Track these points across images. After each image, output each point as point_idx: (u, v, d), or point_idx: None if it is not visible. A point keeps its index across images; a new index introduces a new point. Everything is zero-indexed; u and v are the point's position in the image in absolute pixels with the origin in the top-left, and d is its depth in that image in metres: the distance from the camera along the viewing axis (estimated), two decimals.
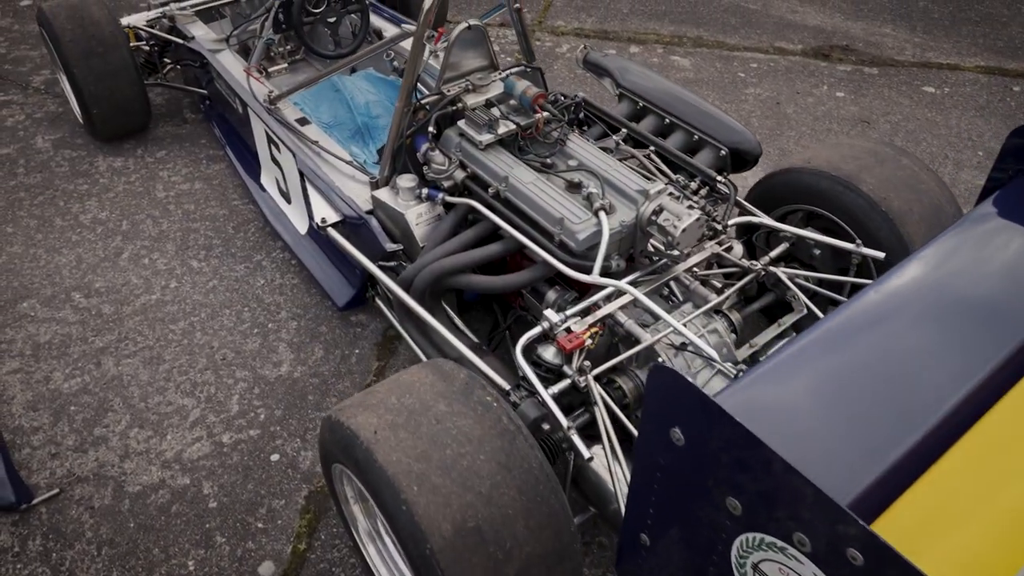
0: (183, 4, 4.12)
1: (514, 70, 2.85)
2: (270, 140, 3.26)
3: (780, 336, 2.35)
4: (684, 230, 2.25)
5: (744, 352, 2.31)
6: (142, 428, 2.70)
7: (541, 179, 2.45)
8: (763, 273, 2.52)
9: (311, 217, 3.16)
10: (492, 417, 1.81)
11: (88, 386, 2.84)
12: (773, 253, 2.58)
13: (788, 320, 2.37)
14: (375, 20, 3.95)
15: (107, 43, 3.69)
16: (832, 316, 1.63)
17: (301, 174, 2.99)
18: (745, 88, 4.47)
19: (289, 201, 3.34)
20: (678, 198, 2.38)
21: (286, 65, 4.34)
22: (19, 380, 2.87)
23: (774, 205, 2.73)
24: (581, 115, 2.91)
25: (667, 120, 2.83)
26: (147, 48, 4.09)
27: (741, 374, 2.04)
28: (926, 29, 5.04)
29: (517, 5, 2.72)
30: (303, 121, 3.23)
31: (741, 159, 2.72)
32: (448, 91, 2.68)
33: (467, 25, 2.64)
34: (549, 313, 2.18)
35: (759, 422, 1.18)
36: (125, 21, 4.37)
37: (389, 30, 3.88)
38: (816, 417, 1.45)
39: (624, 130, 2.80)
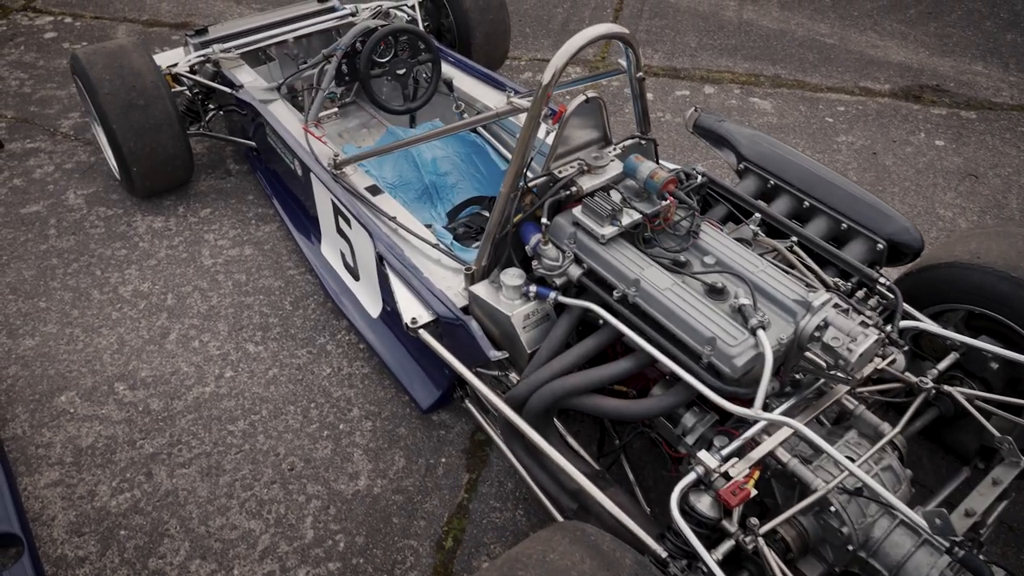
0: (227, 46, 3.77)
1: (628, 142, 2.49)
2: (337, 211, 2.90)
3: (1001, 497, 1.98)
4: (861, 355, 1.89)
5: (960, 520, 1.94)
6: (204, 559, 2.33)
7: (678, 283, 2.08)
8: (933, 392, 2.17)
9: (385, 300, 2.80)
10: None
11: (139, 503, 2.48)
12: (941, 366, 2.22)
13: (1004, 475, 2.00)
14: (444, 68, 3.60)
15: (149, 94, 3.34)
16: None
17: (380, 257, 2.63)
18: (836, 136, 4.10)
19: (357, 278, 2.98)
20: (846, 310, 2.02)
21: (336, 109, 4.00)
22: (60, 495, 2.51)
23: (926, 303, 2.37)
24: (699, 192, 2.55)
25: (806, 203, 2.46)
26: (189, 94, 3.73)
27: (958, 549, 1.68)
28: (1021, 66, 4.66)
29: (641, 75, 2.36)
30: (375, 190, 2.87)
31: (897, 253, 2.35)
32: (559, 172, 2.32)
33: (585, 98, 2.28)
34: (705, 457, 1.84)
35: None
36: (160, 60, 4.03)
37: (459, 78, 3.52)
38: None
39: (757, 215, 2.42)
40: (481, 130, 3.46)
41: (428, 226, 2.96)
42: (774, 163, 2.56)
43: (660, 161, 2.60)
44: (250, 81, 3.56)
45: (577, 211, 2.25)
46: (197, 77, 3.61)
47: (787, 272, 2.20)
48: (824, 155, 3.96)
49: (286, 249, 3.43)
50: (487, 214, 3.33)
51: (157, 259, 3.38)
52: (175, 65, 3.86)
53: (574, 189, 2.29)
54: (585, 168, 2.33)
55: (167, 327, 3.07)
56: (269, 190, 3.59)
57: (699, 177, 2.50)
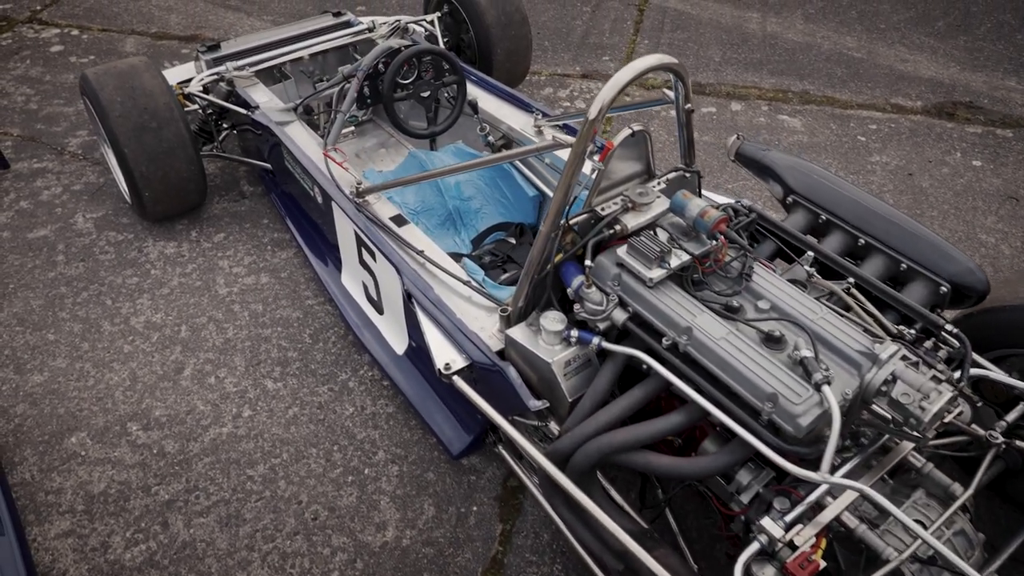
0: (241, 63, 3.63)
1: (671, 175, 2.36)
2: (360, 242, 2.77)
3: None
4: (935, 414, 1.76)
5: None
6: None
7: (733, 332, 1.94)
8: (1003, 447, 2.04)
9: (412, 337, 2.67)
10: None
11: (155, 556, 2.35)
12: (1010, 417, 2.09)
13: None
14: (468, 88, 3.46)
15: (161, 116, 3.21)
16: None
17: (407, 295, 2.49)
18: (869, 155, 3.97)
19: (381, 312, 2.84)
20: (915, 363, 1.89)
21: (353, 129, 3.88)
22: (71, 547, 2.37)
23: (988, 347, 2.23)
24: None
25: (861, 241, 2.32)
26: (201, 113, 3.60)
27: None
28: None
29: (689, 106, 2.22)
30: (400, 220, 2.73)
31: (960, 295, 2.22)
32: (602, 210, 2.18)
33: (631, 132, 2.15)
34: (769, 526, 1.71)
35: None
36: (171, 76, 3.90)
37: (482, 98, 3.38)
38: None
39: (809, 253, 2.29)
40: (506, 153, 3.32)
41: (457, 259, 2.83)
42: (825, 196, 2.42)
43: (703, 192, 2.47)
44: (265, 101, 3.42)
45: (622, 251, 2.11)
46: (211, 97, 3.48)
47: (848, 318, 2.07)
48: (858, 176, 3.82)
49: (304, 277, 3.29)
50: (512, 241, 3.21)
51: (170, 288, 3.25)
52: (187, 83, 3.73)
53: (618, 227, 2.15)
54: (629, 205, 2.19)
55: (181, 361, 2.94)
56: (285, 214, 3.46)
57: (749, 213, 2.36)
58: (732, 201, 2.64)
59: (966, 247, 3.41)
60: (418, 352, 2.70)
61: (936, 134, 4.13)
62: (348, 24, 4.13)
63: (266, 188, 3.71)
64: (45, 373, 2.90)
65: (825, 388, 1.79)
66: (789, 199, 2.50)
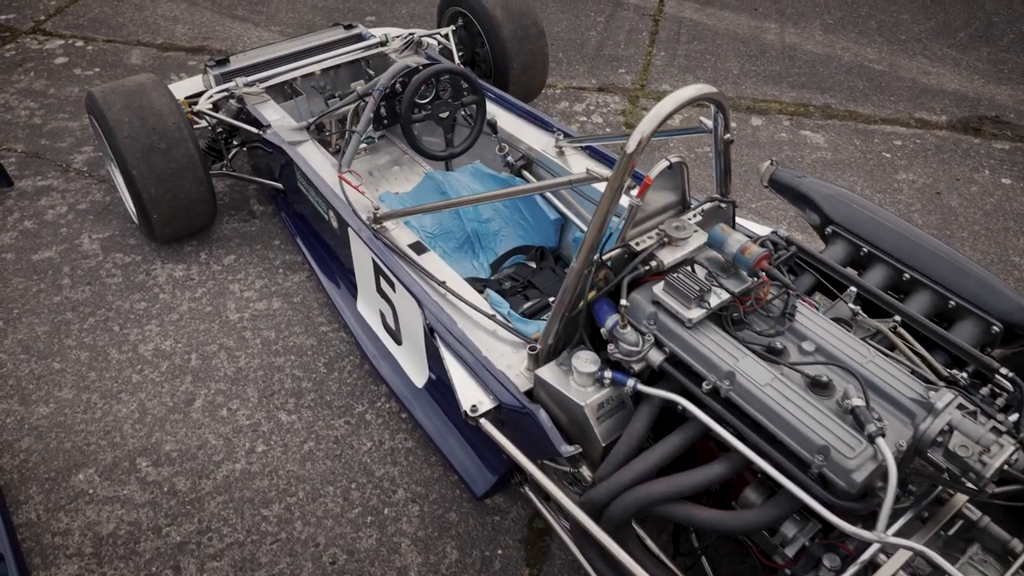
0: (251, 79, 3.53)
1: (707, 206, 2.25)
2: (378, 270, 2.67)
3: None
4: (996, 468, 1.65)
5: None
6: None
7: (778, 377, 1.84)
8: None
9: (432, 369, 2.57)
10: None
11: None
12: None
13: None
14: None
15: (171, 137, 3.11)
16: None
17: (430, 329, 2.39)
18: (895, 173, 3.87)
19: (399, 342, 2.74)
20: (972, 412, 1.79)
21: (365, 146, 3.78)
22: None
23: None
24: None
25: (906, 275, 2.22)
26: (210, 131, 3.50)
27: None
28: None
29: (728, 136, 2.12)
30: (419, 247, 2.63)
31: (1011, 334, 2.11)
32: (637, 244, 2.08)
33: (668, 164, 2.05)
34: None
35: None
36: (178, 90, 3.81)
37: (500, 116, 3.28)
38: None
39: (852, 289, 2.18)
40: (526, 174, 3.23)
41: (477, 286, 2.73)
42: (866, 227, 2.32)
43: (736, 221, 2.37)
44: (277, 119, 3.32)
45: (658, 289, 2.01)
46: (221, 115, 3.38)
47: (897, 360, 1.97)
48: (885, 195, 3.72)
49: (317, 302, 3.19)
50: (533, 265, 3.11)
51: (179, 313, 3.15)
52: (195, 98, 3.64)
53: (654, 263, 2.05)
54: (666, 240, 2.09)
55: (192, 392, 2.84)
56: (297, 236, 3.36)
57: (788, 246, 2.26)
58: (767, 231, 2.54)
59: (999, 270, 3.30)
60: (438, 385, 2.60)
61: (963, 150, 4.03)
62: (360, 37, 4.04)
63: (276, 207, 3.61)
64: (51, 404, 2.81)
65: (880, 441, 1.68)
66: (828, 230, 2.39)
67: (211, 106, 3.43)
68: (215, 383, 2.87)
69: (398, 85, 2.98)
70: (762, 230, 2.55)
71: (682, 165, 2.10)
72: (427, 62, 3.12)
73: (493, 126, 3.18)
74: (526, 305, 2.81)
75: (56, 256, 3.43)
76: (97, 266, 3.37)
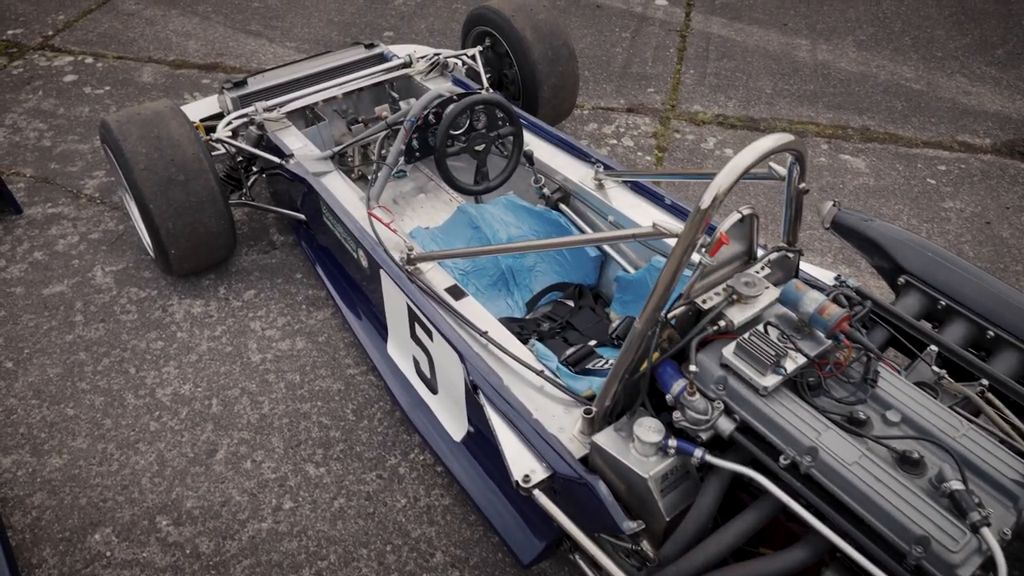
0: (271, 103, 3.37)
1: (773, 256, 2.09)
2: (413, 316, 2.51)
3: None
4: None
5: None
6: None
7: (866, 454, 1.68)
8: None
9: (472, 421, 2.42)
10: None
11: None
12: None
13: None
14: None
15: (190, 169, 2.95)
16: None
17: (473, 385, 2.23)
18: (941, 200, 3.70)
19: (434, 391, 2.58)
20: None
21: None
22: None
23: None
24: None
25: (990, 333, 2.06)
26: (228, 158, 3.35)
27: None
28: None
29: (804, 186, 1.96)
30: (457, 292, 2.47)
31: None
32: (704, 302, 1.92)
33: (740, 216, 1.89)
34: None
35: None
36: (192, 111, 3.67)
37: (534, 145, 3.12)
38: None
39: (932, 348, 2.02)
40: (564, 207, 3.07)
41: (516, 331, 2.57)
42: (944, 279, 2.16)
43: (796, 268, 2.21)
44: (299, 148, 3.17)
45: (728, 352, 1.85)
46: (241, 144, 3.22)
47: (991, 433, 1.81)
48: (932, 224, 3.56)
49: (343, 342, 3.03)
50: (571, 303, 2.95)
51: (198, 354, 2.99)
52: (211, 122, 3.49)
53: (722, 323, 1.90)
54: (735, 297, 1.93)
55: (214, 442, 2.68)
56: (321, 270, 3.20)
57: (862, 301, 2.09)
58: (829, 275, 2.38)
59: None
60: (478, 440, 2.44)
61: (1010, 176, 3.87)
62: (382, 57, 3.88)
63: (297, 238, 3.45)
64: (64, 455, 2.65)
65: (985, 531, 1.52)
66: (901, 280, 2.23)
67: (230, 133, 3.27)
68: (238, 431, 2.71)
69: (431, 116, 2.82)
70: (822, 273, 2.40)
71: (754, 217, 1.94)
72: (460, 91, 2.96)
73: (529, 157, 3.02)
74: (569, 352, 2.64)
75: (68, 290, 3.27)
76: (111, 301, 3.22)
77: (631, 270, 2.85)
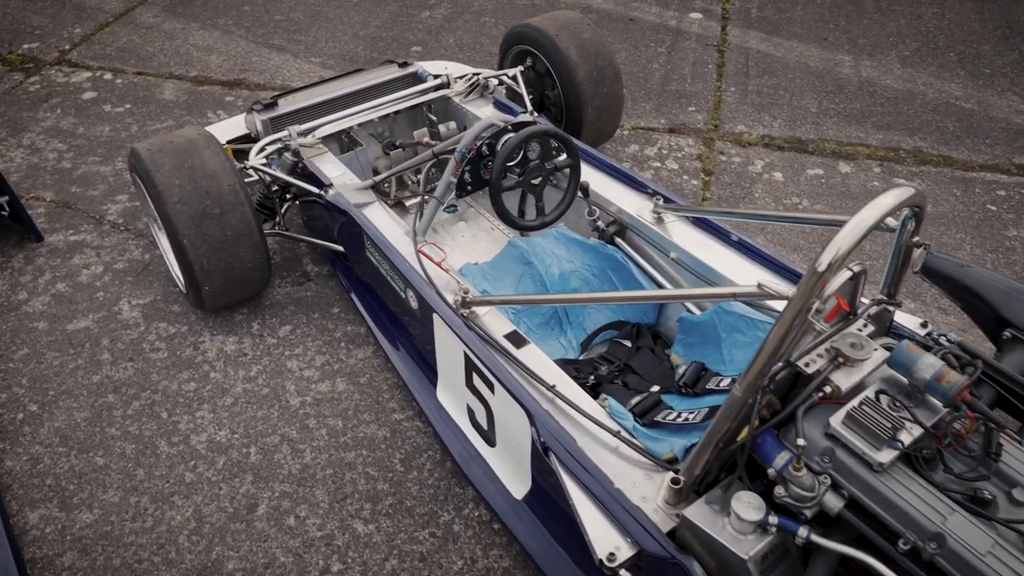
0: (304, 127, 3.21)
1: (873, 310, 1.93)
2: (470, 365, 2.35)
3: None
4: None
5: None
6: None
7: (999, 541, 1.52)
8: None
9: (536, 478, 2.25)
10: None
11: None
12: None
13: None
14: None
15: (225, 201, 2.79)
16: None
17: (544, 447, 2.07)
18: (1004, 229, 3.54)
19: (491, 444, 2.42)
20: None
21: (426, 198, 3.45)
22: None
23: None
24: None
25: None
26: (262, 186, 3.19)
27: None
28: None
29: (918, 240, 1.79)
30: (517, 339, 2.30)
31: None
32: (807, 365, 1.76)
33: (851, 274, 1.73)
34: None
35: None
36: (218, 132, 3.53)
37: (588, 175, 2.95)
38: None
39: None
40: (620, 241, 2.90)
41: (573, 374, 2.40)
42: None
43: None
44: (338, 176, 3.01)
45: (836, 422, 1.69)
46: (277, 172, 3.05)
47: None
48: (997, 255, 3.39)
49: (386, 384, 2.87)
50: (628, 343, 2.78)
51: (233, 396, 2.83)
52: (237, 143, 3.33)
53: (828, 389, 1.74)
54: (840, 361, 1.77)
55: (254, 496, 2.52)
56: (361, 305, 3.03)
57: (972, 360, 1.92)
58: (915, 320, 2.22)
59: None
60: (541, 498, 2.28)
61: None
62: (416, 77, 3.72)
63: (333, 269, 3.29)
64: (95, 510, 2.48)
65: None
66: (1006, 333, 2.06)
67: (264, 160, 3.11)
68: (279, 484, 2.55)
69: (484, 148, 2.66)
70: (909, 319, 2.24)
71: (863, 274, 1.78)
72: (510, 118, 2.79)
73: (585, 190, 2.85)
74: (634, 401, 2.47)
75: (93, 326, 3.11)
76: (139, 338, 3.05)
77: (696, 311, 2.68)
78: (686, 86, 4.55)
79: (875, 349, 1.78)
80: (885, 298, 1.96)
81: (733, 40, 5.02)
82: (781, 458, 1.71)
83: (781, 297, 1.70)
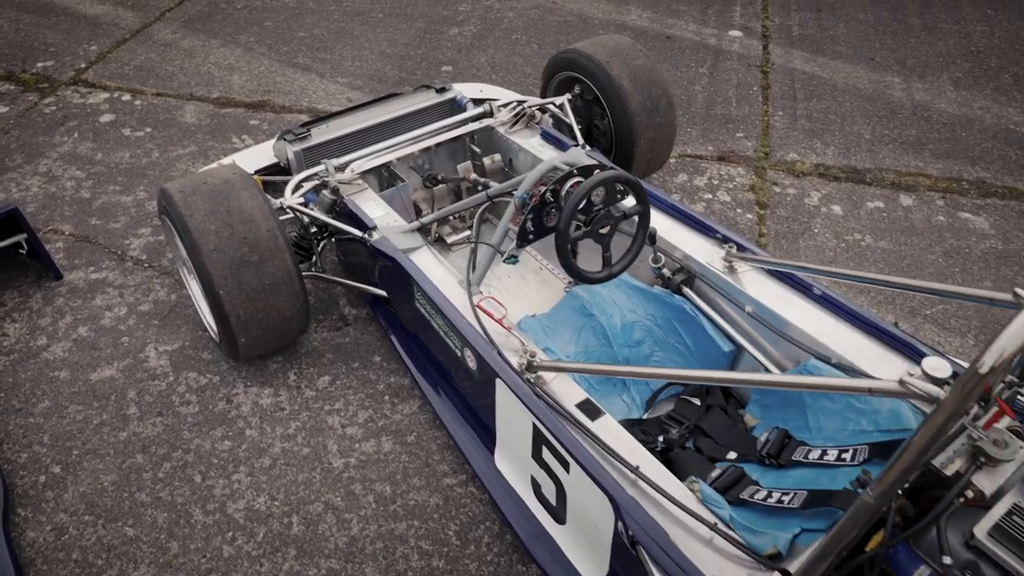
0: (342, 162, 3.01)
1: (1005, 395, 1.72)
2: (539, 436, 2.15)
3: None
4: None
5: None
6: None
7: None
8: None
9: (616, 568, 2.05)
10: None
11: None
12: None
13: None
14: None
15: (264, 247, 2.59)
16: None
17: (632, 540, 1.86)
18: None
19: (561, 522, 2.22)
20: None
21: (467, 233, 3.27)
22: None
23: None
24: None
25: None
26: (301, 229, 2.99)
27: None
28: None
29: None
30: (591, 409, 2.10)
31: None
32: (943, 466, 1.56)
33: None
34: None
35: None
36: (244, 161, 3.36)
37: (656, 220, 2.75)
38: None
39: None
40: (688, 291, 2.69)
41: (638, 434, 2.20)
42: None
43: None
44: (381, 216, 2.81)
45: (982, 533, 1.49)
46: (316, 213, 2.86)
47: None
48: None
49: (436, 443, 2.67)
50: (696, 402, 2.57)
51: (271, 457, 2.62)
52: (266, 173, 3.13)
53: (970, 494, 1.54)
54: (982, 461, 1.57)
55: (299, 573, 2.31)
56: (406, 356, 2.83)
57: None
58: None
59: None
60: None
61: None
62: (455, 103, 3.53)
63: (373, 313, 3.08)
64: None
65: None
66: None
67: (301, 199, 2.91)
68: (325, 559, 2.35)
69: (549, 194, 2.45)
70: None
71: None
72: (580, 163, 2.58)
73: (652, 237, 2.65)
74: (714, 475, 2.27)
75: (118, 375, 2.91)
76: (168, 390, 2.85)
77: (774, 369, 2.47)
78: (732, 110, 4.35)
79: (1021, 447, 1.58)
80: (1017, 380, 1.76)
81: (776, 60, 4.82)
82: (919, 575, 1.51)
83: (930, 399, 1.49)
